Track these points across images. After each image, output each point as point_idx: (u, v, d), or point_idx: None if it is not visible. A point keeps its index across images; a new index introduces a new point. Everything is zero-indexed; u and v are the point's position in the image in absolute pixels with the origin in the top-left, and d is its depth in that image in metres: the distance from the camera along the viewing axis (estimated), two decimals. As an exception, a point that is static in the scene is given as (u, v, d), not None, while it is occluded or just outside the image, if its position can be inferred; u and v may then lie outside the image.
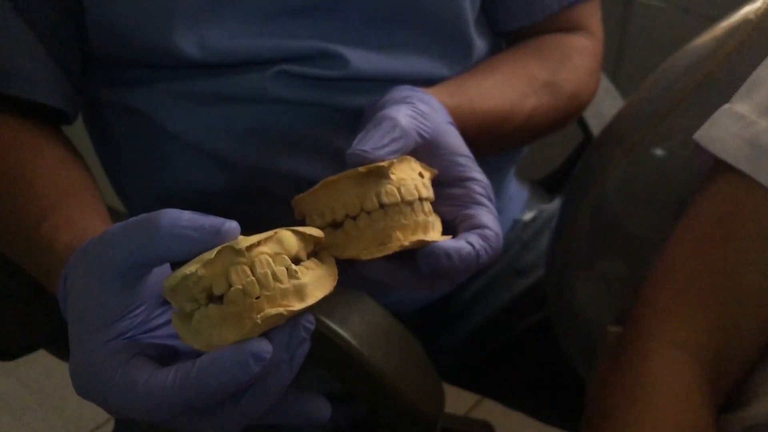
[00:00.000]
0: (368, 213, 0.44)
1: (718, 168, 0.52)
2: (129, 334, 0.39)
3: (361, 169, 0.44)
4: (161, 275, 0.41)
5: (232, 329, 0.38)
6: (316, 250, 0.43)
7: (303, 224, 0.46)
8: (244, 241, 0.38)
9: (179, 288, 0.38)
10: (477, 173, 0.50)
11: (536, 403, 0.81)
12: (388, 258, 0.45)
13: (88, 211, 0.52)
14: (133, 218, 0.39)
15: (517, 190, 0.83)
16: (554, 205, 0.84)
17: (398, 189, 0.44)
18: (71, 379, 0.40)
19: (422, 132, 0.49)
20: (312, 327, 0.39)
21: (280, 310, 0.38)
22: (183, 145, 0.62)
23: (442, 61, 0.64)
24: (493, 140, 0.63)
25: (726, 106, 0.53)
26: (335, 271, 0.42)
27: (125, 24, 0.58)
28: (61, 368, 1.46)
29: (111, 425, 1.45)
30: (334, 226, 0.45)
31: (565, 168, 0.90)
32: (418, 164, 0.47)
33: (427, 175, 0.47)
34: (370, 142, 0.46)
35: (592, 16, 0.72)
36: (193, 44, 0.59)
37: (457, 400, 1.31)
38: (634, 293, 0.68)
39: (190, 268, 0.38)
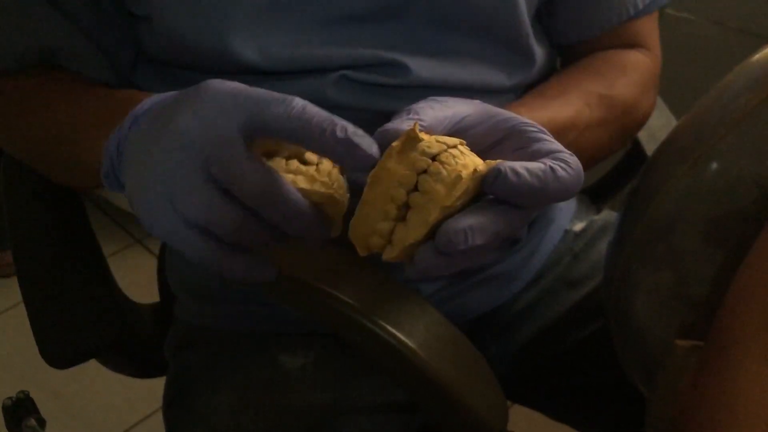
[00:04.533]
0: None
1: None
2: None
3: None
4: None
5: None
6: None
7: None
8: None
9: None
10: (523, 123, 0.49)
11: (587, 417, 0.81)
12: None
13: None
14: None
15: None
16: (605, 216, 0.83)
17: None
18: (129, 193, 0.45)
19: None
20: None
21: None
22: None
23: (502, 68, 0.64)
24: None
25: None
26: None
27: (185, 31, 0.58)
28: (84, 374, 1.46)
29: (134, 432, 1.44)
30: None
31: (611, 178, 0.90)
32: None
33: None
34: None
35: (651, 31, 0.72)
36: (254, 51, 0.58)
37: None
38: (686, 305, 0.68)
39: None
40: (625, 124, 0.68)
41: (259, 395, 0.66)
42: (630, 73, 0.68)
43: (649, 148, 0.83)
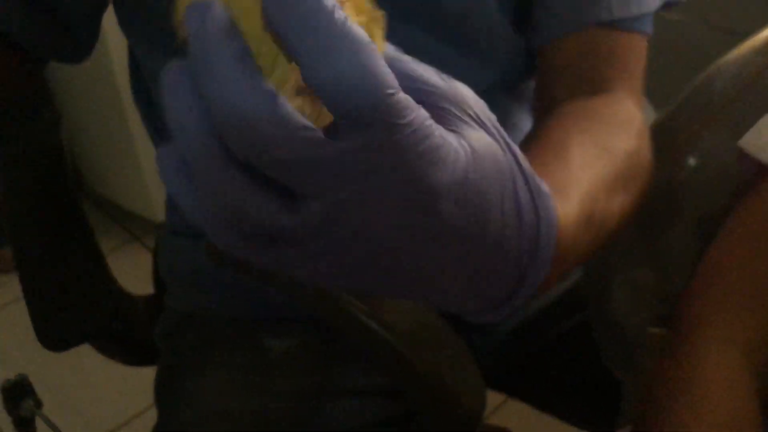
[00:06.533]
0: None
1: (764, 172, 0.54)
2: None
3: None
4: None
5: None
6: None
7: None
8: None
9: None
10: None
11: (569, 406, 0.82)
12: None
13: None
14: None
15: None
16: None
17: None
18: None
19: None
20: None
21: None
22: None
23: (468, 58, 0.63)
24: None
25: (772, 113, 0.54)
26: None
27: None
28: (79, 368, 1.45)
29: (129, 427, 1.46)
30: None
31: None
32: None
33: None
34: None
35: (630, 55, 0.64)
36: None
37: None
38: (663, 300, 0.70)
39: None
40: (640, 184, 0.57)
41: (246, 378, 0.68)
42: (628, 129, 0.59)
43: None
